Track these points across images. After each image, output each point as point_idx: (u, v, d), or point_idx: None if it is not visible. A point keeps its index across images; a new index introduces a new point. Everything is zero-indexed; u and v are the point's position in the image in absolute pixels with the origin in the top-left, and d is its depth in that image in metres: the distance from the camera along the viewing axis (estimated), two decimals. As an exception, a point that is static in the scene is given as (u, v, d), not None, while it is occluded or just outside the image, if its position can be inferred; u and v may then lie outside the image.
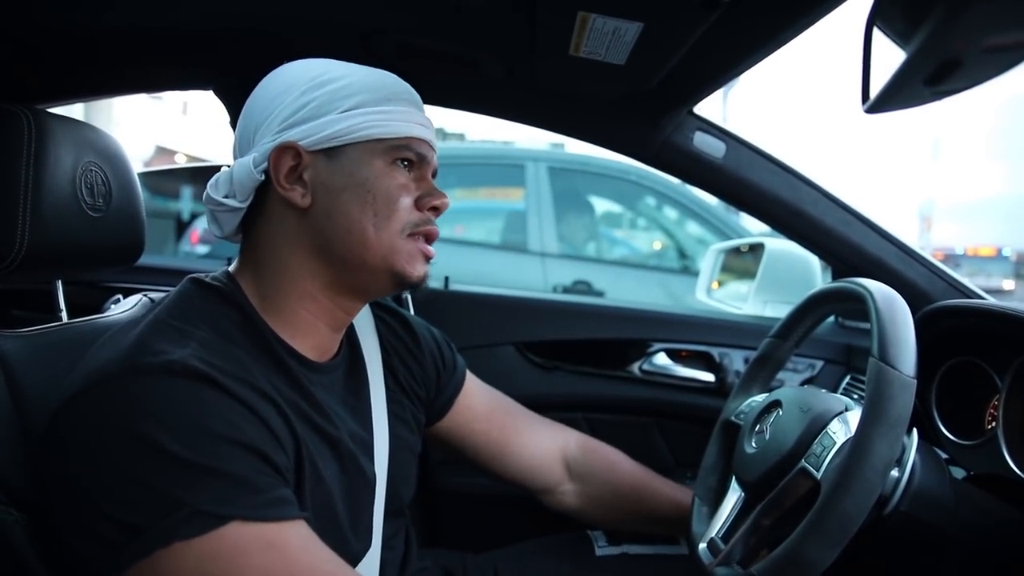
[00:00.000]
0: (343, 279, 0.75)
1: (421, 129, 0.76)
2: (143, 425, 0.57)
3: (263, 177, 0.73)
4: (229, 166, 0.75)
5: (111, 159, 0.89)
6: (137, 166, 0.96)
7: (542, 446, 1.05)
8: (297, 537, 0.61)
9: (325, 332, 0.78)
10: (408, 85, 0.78)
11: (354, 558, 0.76)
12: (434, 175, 0.80)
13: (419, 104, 0.79)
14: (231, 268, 0.77)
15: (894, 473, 0.72)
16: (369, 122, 0.72)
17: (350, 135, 0.72)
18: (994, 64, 0.49)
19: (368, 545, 0.79)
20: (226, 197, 0.74)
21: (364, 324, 0.90)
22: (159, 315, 0.68)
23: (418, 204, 0.76)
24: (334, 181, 0.72)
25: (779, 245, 1.53)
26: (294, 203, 0.72)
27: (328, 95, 0.72)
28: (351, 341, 0.86)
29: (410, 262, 0.75)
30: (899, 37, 0.54)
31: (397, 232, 0.74)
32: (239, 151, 0.76)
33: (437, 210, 0.77)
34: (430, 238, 0.77)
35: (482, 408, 1.03)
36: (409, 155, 0.75)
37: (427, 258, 0.77)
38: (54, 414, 0.62)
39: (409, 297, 1.37)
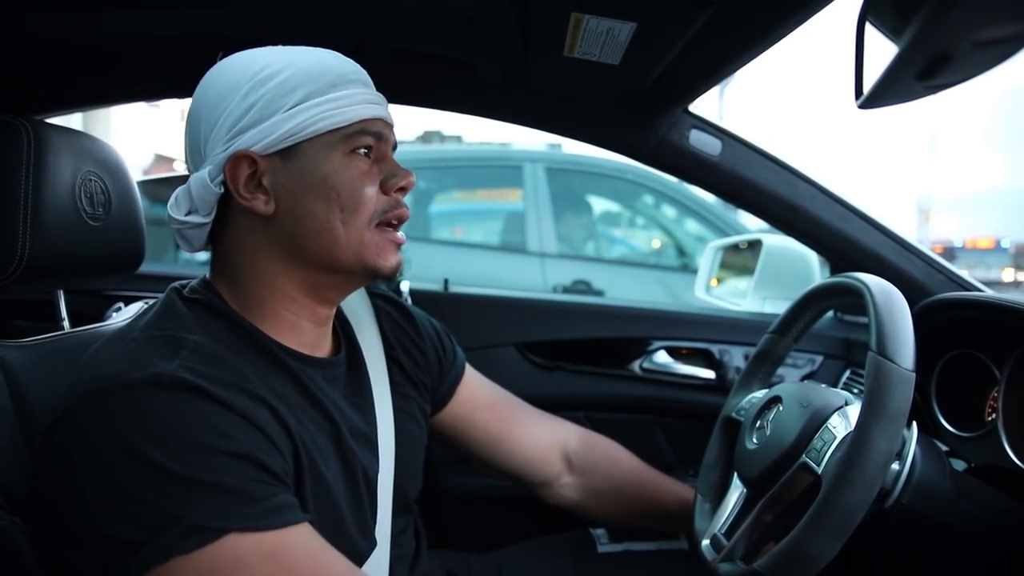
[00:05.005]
0: (317, 278, 0.74)
1: (373, 108, 0.73)
2: (133, 441, 0.57)
3: (222, 189, 0.70)
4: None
5: (110, 168, 0.89)
6: (136, 174, 0.96)
7: (543, 438, 1.05)
8: (299, 543, 0.61)
9: (310, 328, 0.77)
10: (354, 64, 0.74)
11: (360, 557, 0.75)
12: (394, 149, 0.77)
13: (366, 81, 0.75)
14: (207, 277, 0.76)
15: (895, 466, 0.72)
16: (319, 114, 0.69)
17: (302, 132, 0.69)
18: (984, 58, 0.49)
19: (374, 543, 0.78)
20: (189, 214, 0.72)
21: (363, 317, 0.89)
22: (147, 328, 0.67)
23: (384, 188, 0.73)
24: (295, 183, 0.70)
25: (777, 241, 1.53)
26: (258, 212, 0.70)
27: (272, 92, 0.69)
28: (349, 337, 0.85)
29: (381, 254, 0.73)
30: (891, 32, 0.54)
31: (365, 224, 0.72)
32: (192, 164, 0.73)
33: (404, 190, 0.75)
34: (401, 220, 0.75)
35: (483, 399, 1.02)
36: (367, 140, 0.72)
37: (398, 246, 0.75)
38: (45, 434, 0.61)
39: (408, 298, 1.37)
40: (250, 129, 0.69)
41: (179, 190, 0.72)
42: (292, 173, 0.70)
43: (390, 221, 0.74)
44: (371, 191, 0.72)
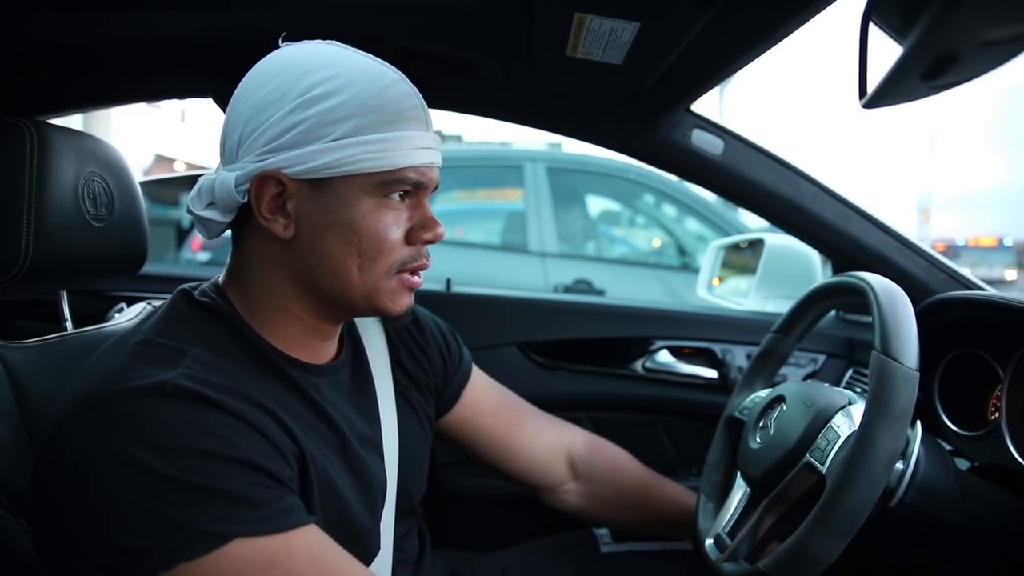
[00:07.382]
0: (325, 307, 0.73)
1: (422, 154, 0.69)
2: (135, 449, 0.56)
3: (246, 199, 0.68)
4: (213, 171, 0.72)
5: (113, 169, 0.89)
6: (136, 175, 0.96)
7: (548, 443, 1.04)
8: (306, 544, 0.61)
9: (316, 343, 0.76)
10: (416, 96, 0.71)
11: (365, 562, 0.74)
12: (435, 188, 0.75)
13: (425, 120, 0.71)
14: (220, 279, 0.75)
15: (899, 466, 0.72)
16: (360, 154, 0.66)
17: (338, 169, 0.66)
18: (991, 57, 0.49)
19: (379, 547, 0.78)
20: (209, 206, 0.70)
21: (368, 319, 0.88)
22: (150, 334, 0.67)
23: (409, 238, 0.71)
24: (319, 217, 0.68)
25: (779, 240, 1.53)
26: (276, 234, 0.69)
27: (319, 117, 0.66)
28: (353, 338, 0.84)
29: (393, 299, 0.72)
30: (895, 32, 0.54)
31: (383, 273, 0.70)
32: (223, 158, 0.71)
33: (430, 242, 0.73)
34: (420, 270, 0.74)
35: (489, 402, 1.01)
36: (403, 188, 0.69)
37: (411, 289, 0.74)
38: (46, 439, 0.61)
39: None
40: (287, 150, 0.66)
41: (203, 180, 0.70)
42: (318, 206, 0.68)
43: (408, 271, 0.73)
44: (395, 240, 0.70)
